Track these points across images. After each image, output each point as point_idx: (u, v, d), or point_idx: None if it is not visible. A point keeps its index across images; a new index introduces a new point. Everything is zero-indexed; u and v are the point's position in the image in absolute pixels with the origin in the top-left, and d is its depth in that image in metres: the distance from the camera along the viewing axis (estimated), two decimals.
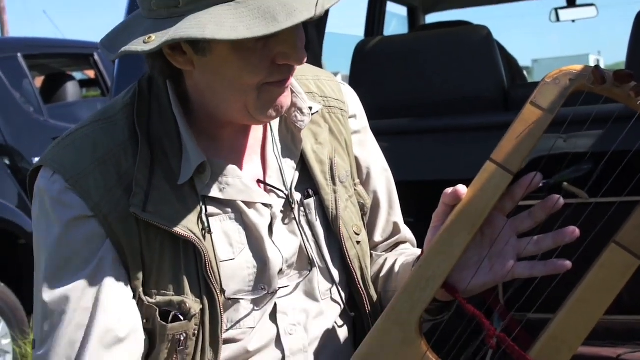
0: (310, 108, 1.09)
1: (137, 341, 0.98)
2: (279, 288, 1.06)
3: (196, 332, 0.99)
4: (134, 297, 0.98)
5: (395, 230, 1.25)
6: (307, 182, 1.10)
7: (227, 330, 1.03)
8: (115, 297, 0.96)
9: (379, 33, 3.84)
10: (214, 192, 1.02)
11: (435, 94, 2.32)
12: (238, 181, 1.04)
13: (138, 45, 0.89)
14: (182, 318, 0.97)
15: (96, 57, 4.91)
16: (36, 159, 1.07)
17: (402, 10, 4.26)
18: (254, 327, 1.05)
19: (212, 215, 1.02)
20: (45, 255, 0.98)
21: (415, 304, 0.95)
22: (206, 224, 1.00)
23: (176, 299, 0.98)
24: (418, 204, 1.95)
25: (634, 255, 0.92)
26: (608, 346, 1.70)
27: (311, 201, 1.10)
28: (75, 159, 0.98)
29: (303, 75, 1.16)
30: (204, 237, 0.99)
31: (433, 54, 2.36)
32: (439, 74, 2.33)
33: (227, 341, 1.03)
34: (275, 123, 1.11)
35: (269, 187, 1.07)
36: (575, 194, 0.97)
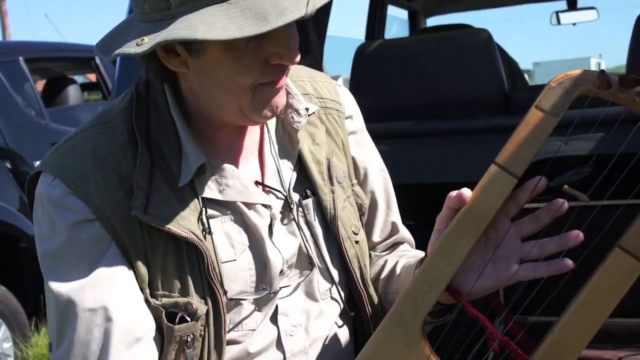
0: (307, 109, 1.10)
1: (154, 340, 0.98)
2: (281, 288, 1.06)
3: (202, 332, 0.99)
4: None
5: (394, 230, 1.26)
6: (305, 182, 1.11)
7: (229, 331, 1.03)
8: (128, 296, 0.97)
9: (379, 36, 3.85)
10: (214, 194, 1.03)
11: (435, 97, 2.33)
12: (237, 182, 1.04)
13: (131, 48, 0.89)
14: (188, 319, 0.98)
15: (97, 60, 4.91)
16: (37, 163, 1.08)
17: (403, 14, 4.27)
18: (255, 329, 1.05)
19: (213, 217, 1.02)
20: (53, 259, 0.98)
21: (419, 307, 0.96)
22: (207, 225, 1.00)
23: (182, 300, 0.98)
24: (419, 207, 1.95)
25: (638, 260, 0.92)
26: (609, 349, 1.70)
27: (309, 201, 1.10)
28: (75, 163, 0.98)
29: (299, 76, 1.17)
30: (204, 238, 0.99)
31: (434, 57, 2.36)
32: (439, 77, 2.33)
33: (229, 343, 1.04)
34: (272, 124, 1.11)
35: (267, 188, 1.08)
36: (576, 196, 0.97)
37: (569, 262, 0.95)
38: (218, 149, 1.06)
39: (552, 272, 0.96)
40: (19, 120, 4.13)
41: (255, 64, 0.95)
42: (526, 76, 4.44)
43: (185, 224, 0.98)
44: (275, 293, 1.05)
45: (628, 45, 2.20)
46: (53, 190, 0.98)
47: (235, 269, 1.03)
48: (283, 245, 1.06)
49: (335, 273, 1.12)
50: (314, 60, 2.43)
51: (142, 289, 0.98)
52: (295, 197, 1.10)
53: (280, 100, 1.01)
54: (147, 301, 0.98)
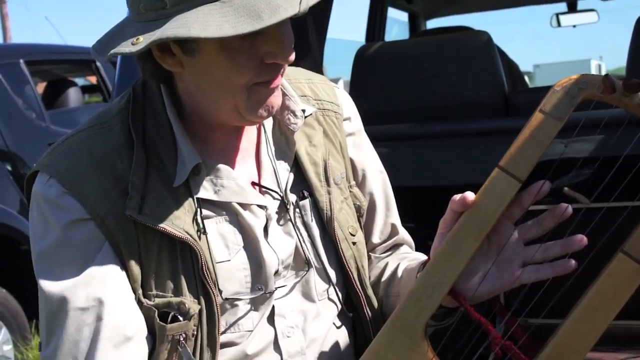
0: (304, 111, 1.10)
1: (144, 339, 0.98)
2: (276, 288, 1.06)
3: (195, 332, 0.99)
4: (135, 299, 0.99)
5: (393, 231, 1.26)
6: (302, 183, 1.11)
7: (226, 333, 1.04)
8: (119, 296, 0.97)
9: (380, 39, 3.85)
10: (209, 194, 1.03)
11: (436, 100, 2.33)
12: (233, 183, 1.04)
13: (126, 47, 0.90)
14: (181, 318, 0.98)
15: (98, 63, 4.92)
16: None
17: (403, 16, 4.27)
18: (252, 330, 1.05)
19: (208, 217, 1.03)
20: (46, 258, 0.98)
21: (422, 311, 0.95)
22: (201, 226, 1.00)
23: (175, 300, 0.98)
24: (419, 209, 1.95)
25: None
26: (611, 351, 1.70)
27: (306, 202, 1.11)
28: (71, 164, 0.99)
29: (296, 78, 1.18)
30: (199, 238, 1.00)
31: (434, 59, 2.36)
32: (439, 79, 2.33)
33: (226, 344, 1.04)
34: (269, 126, 1.12)
35: (263, 189, 1.08)
36: (576, 199, 0.97)
37: (573, 263, 0.95)
38: (214, 150, 1.06)
39: (556, 273, 0.96)
40: (19, 122, 4.14)
41: (250, 63, 0.95)
42: (527, 78, 4.45)
43: (179, 223, 0.98)
44: (271, 293, 1.06)
45: (628, 47, 2.20)
46: (49, 189, 0.98)
47: (229, 269, 1.03)
48: (278, 246, 1.07)
49: (332, 274, 1.12)
50: (314, 62, 2.43)
51: (134, 289, 0.99)
52: (293, 198, 1.10)
53: (275, 100, 1.01)
54: (139, 301, 0.99)
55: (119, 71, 2.05)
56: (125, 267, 0.98)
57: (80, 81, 6.48)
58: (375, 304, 1.16)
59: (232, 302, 1.03)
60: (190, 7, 0.89)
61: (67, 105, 4.94)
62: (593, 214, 1.03)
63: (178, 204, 1.00)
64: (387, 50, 2.53)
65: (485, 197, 0.94)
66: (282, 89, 1.07)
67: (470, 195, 0.94)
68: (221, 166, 1.05)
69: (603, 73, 0.97)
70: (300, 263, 1.10)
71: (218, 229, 1.03)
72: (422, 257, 1.19)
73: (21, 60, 4.38)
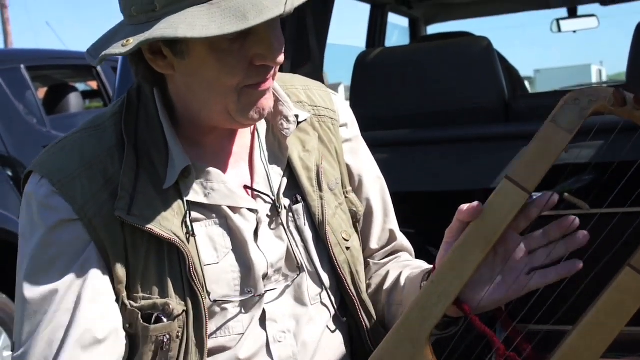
0: (297, 116, 1.11)
1: (117, 343, 0.99)
2: (266, 291, 1.06)
3: (180, 334, 1.00)
4: (117, 301, 1.00)
5: (392, 237, 1.26)
6: (295, 188, 1.12)
7: (217, 337, 1.04)
8: (95, 298, 0.98)
9: (380, 44, 3.86)
10: (199, 197, 1.04)
11: (436, 105, 2.33)
12: (223, 186, 1.05)
13: (116, 49, 0.92)
14: (164, 319, 0.98)
15: (99, 68, 4.92)
16: None
17: (404, 22, 4.28)
18: (243, 334, 1.05)
19: (197, 220, 1.04)
20: (29, 257, 1.00)
21: (426, 319, 0.95)
22: (190, 228, 1.01)
23: (160, 301, 0.99)
24: (419, 214, 1.95)
25: None
26: (613, 357, 1.69)
27: (299, 207, 1.11)
28: (62, 164, 1.01)
29: (292, 85, 1.19)
30: (187, 240, 1.00)
31: (434, 65, 2.37)
32: (439, 84, 2.33)
33: (218, 349, 1.04)
34: (262, 131, 1.13)
35: (255, 193, 1.09)
36: (576, 204, 0.97)
37: (579, 263, 0.95)
38: (206, 153, 1.07)
39: (562, 275, 0.96)
40: (20, 127, 4.14)
41: (239, 65, 0.96)
42: (527, 83, 4.45)
43: (167, 225, 0.99)
44: (261, 296, 1.06)
45: (628, 53, 2.20)
46: (39, 189, 1.00)
47: (217, 272, 1.04)
48: (268, 249, 1.07)
49: (325, 278, 1.12)
50: (314, 67, 2.43)
51: (118, 291, 0.99)
52: (286, 202, 1.11)
53: (266, 102, 1.02)
54: (124, 304, 0.99)
55: (119, 76, 2.05)
56: (109, 269, 0.99)
57: (81, 86, 6.49)
58: (372, 309, 1.16)
59: (220, 304, 1.04)
60: (179, 9, 0.90)
61: (67, 111, 4.95)
62: (593, 219, 1.03)
63: (167, 206, 1.01)
64: (388, 56, 2.54)
65: (493, 208, 0.94)
66: (275, 94, 1.09)
67: (477, 206, 0.94)
68: (212, 169, 1.05)
69: (604, 78, 0.98)
70: (292, 267, 1.10)
71: (207, 231, 1.04)
72: (425, 265, 1.19)
73: (22, 66, 4.38)
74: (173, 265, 1.00)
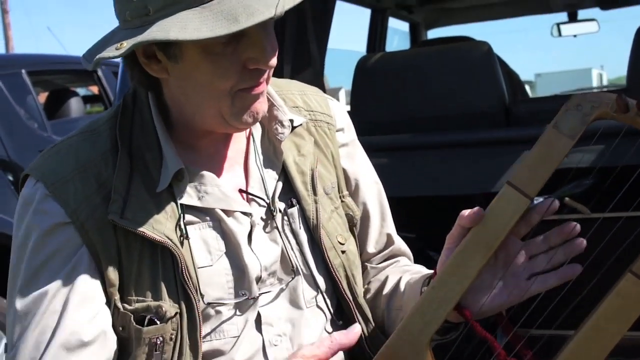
0: (292, 121, 1.12)
1: (105, 346, 0.99)
2: (261, 294, 1.07)
3: (173, 336, 1.00)
4: (109, 304, 1.00)
5: (389, 241, 1.26)
6: (290, 192, 1.13)
7: (212, 340, 1.04)
8: (84, 301, 0.98)
9: (381, 49, 3.86)
10: (193, 201, 1.05)
11: (436, 110, 2.33)
12: (217, 189, 1.06)
13: (110, 52, 0.93)
14: (157, 322, 0.99)
15: (100, 73, 4.93)
16: None
17: (404, 26, 4.29)
18: (238, 337, 1.05)
19: (191, 223, 1.04)
20: (21, 261, 1.01)
21: (427, 325, 0.95)
22: (184, 231, 1.02)
23: (153, 303, 1.00)
24: (419, 219, 1.95)
25: None
26: None
27: (294, 210, 1.12)
28: (56, 168, 1.02)
29: (289, 90, 1.20)
30: (181, 243, 1.01)
31: (434, 69, 2.37)
32: (440, 89, 2.34)
33: (213, 353, 1.04)
34: (257, 135, 1.14)
35: (250, 197, 1.09)
36: (577, 209, 0.97)
37: (579, 267, 0.95)
38: (200, 157, 1.08)
39: (562, 280, 0.96)
40: (21, 132, 4.14)
41: (233, 68, 0.97)
42: (528, 87, 4.45)
43: (160, 228, 1.00)
44: (255, 299, 1.06)
45: (628, 57, 2.20)
46: (34, 192, 1.01)
47: (211, 275, 1.04)
48: (262, 252, 1.08)
49: (320, 281, 1.12)
50: (314, 73, 2.44)
51: (111, 294, 1.00)
52: (281, 206, 1.11)
53: (260, 106, 1.03)
54: (116, 307, 1.00)
55: (120, 81, 2.05)
56: (100, 272, 1.00)
57: (82, 91, 6.50)
58: (368, 313, 1.17)
59: (215, 307, 1.04)
60: (172, 13, 0.91)
61: (68, 116, 4.95)
62: (594, 224, 1.03)
63: (160, 209, 1.01)
64: (388, 61, 2.54)
65: (495, 214, 0.94)
66: (269, 99, 1.10)
67: (479, 212, 0.94)
68: (205, 173, 1.06)
69: (604, 82, 0.97)
70: (287, 270, 1.10)
71: (201, 234, 1.05)
72: (425, 270, 1.19)
73: (23, 71, 4.38)
74: (166, 268, 1.00)
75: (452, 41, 3.31)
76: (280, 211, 1.11)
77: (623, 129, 0.99)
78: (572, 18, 4.39)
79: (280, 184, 1.12)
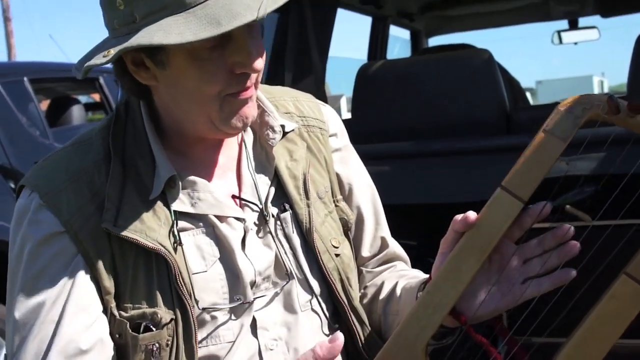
0: (283, 126, 1.14)
1: (103, 353, 1.00)
2: (255, 298, 1.07)
3: (170, 342, 1.01)
4: (105, 312, 1.01)
5: (383, 245, 1.27)
6: (283, 197, 1.14)
7: (207, 345, 1.05)
8: (80, 309, 0.99)
9: (382, 56, 3.87)
10: (186, 207, 1.06)
11: (437, 117, 2.33)
12: (209, 196, 1.07)
13: (98, 60, 0.94)
14: (153, 328, 1.00)
15: (101, 80, 4.94)
16: None
17: (405, 34, 4.30)
18: (234, 342, 1.06)
19: (185, 229, 1.05)
20: (17, 271, 1.01)
21: (423, 330, 0.95)
22: (177, 238, 1.02)
23: (149, 310, 1.00)
24: (420, 227, 1.95)
25: None
26: None
27: (287, 215, 1.13)
28: (49, 178, 1.03)
29: (281, 97, 1.21)
30: (175, 250, 1.02)
31: (435, 77, 2.37)
32: (441, 97, 2.34)
33: (209, 358, 1.05)
34: (249, 141, 1.15)
35: (243, 202, 1.10)
36: (578, 216, 0.97)
37: (572, 271, 0.95)
38: (193, 164, 1.09)
39: (556, 284, 0.96)
40: (23, 140, 4.14)
41: (219, 73, 0.98)
42: (529, 94, 4.46)
43: (154, 235, 1.00)
44: (250, 303, 1.07)
45: (629, 64, 2.20)
46: (29, 203, 1.02)
47: (206, 280, 1.05)
48: (256, 257, 1.08)
49: (315, 284, 1.13)
50: (316, 80, 2.44)
51: (107, 302, 1.01)
52: (274, 210, 1.12)
53: (249, 111, 1.04)
54: (113, 315, 1.01)
55: (122, 89, 2.06)
56: (96, 281, 1.00)
57: (83, 99, 6.51)
58: (364, 316, 1.17)
59: (210, 312, 1.05)
60: (157, 19, 0.93)
61: (70, 123, 4.96)
62: (596, 232, 1.03)
63: (153, 216, 1.02)
64: (389, 69, 2.55)
65: (488, 217, 0.94)
66: (261, 105, 1.12)
67: (472, 215, 0.94)
68: (198, 179, 1.07)
69: (605, 89, 0.98)
70: (281, 274, 1.11)
71: (195, 240, 1.06)
72: (422, 274, 1.20)
73: (25, 78, 4.40)
74: (161, 275, 1.01)
75: (453, 49, 3.32)
76: (273, 216, 1.12)
77: (627, 136, 0.98)
78: (573, 26, 4.40)
79: (272, 189, 1.13)
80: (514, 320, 1.02)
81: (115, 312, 1.00)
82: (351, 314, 1.14)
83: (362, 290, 1.23)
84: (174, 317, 1.00)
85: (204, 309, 1.03)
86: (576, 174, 1.87)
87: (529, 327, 1.05)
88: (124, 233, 0.99)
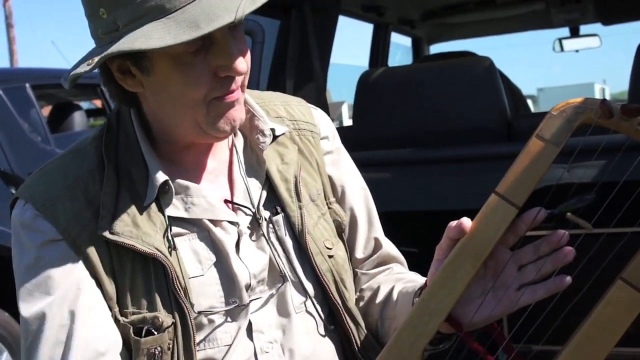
0: (273, 130, 1.14)
1: (118, 355, 1.01)
2: (251, 301, 1.08)
3: (170, 346, 1.01)
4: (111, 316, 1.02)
5: (377, 246, 1.27)
6: (275, 200, 1.14)
7: (205, 348, 1.05)
8: (92, 312, 1.00)
9: (383, 64, 3.88)
10: (180, 212, 1.06)
11: (438, 125, 2.33)
12: (203, 200, 1.08)
13: (82, 68, 0.96)
14: (154, 332, 1.00)
15: (103, 87, 4.94)
16: None
17: (407, 41, 4.31)
18: (231, 345, 1.06)
19: (180, 234, 1.06)
20: (23, 279, 1.02)
21: (418, 338, 0.95)
22: (171, 242, 1.03)
23: (149, 315, 1.01)
24: (421, 234, 1.95)
25: None
26: None
27: (279, 218, 1.13)
28: (44, 188, 1.04)
29: (271, 101, 1.22)
30: (170, 254, 1.02)
31: (436, 84, 2.38)
32: (442, 104, 2.34)
33: None
34: (240, 146, 1.16)
35: (236, 206, 1.11)
36: (578, 224, 0.96)
37: (567, 278, 0.94)
38: (185, 170, 1.10)
39: (551, 291, 0.96)
40: (24, 146, 4.15)
41: (203, 77, 0.99)
42: (531, 102, 4.47)
43: (149, 241, 1.01)
44: (246, 306, 1.07)
45: (630, 72, 2.21)
46: (25, 214, 1.03)
47: (203, 284, 1.05)
48: (250, 260, 1.09)
49: (309, 287, 1.13)
50: (317, 87, 2.45)
51: (110, 307, 1.01)
52: (266, 214, 1.13)
53: (236, 114, 1.04)
54: (116, 319, 1.01)
55: (110, 97, 2.06)
56: (99, 285, 1.01)
57: (85, 105, 6.52)
58: (359, 317, 1.17)
59: (207, 315, 1.05)
60: (139, 26, 0.94)
61: (72, 129, 4.97)
62: (596, 239, 1.03)
63: (149, 222, 1.03)
64: (390, 76, 2.55)
65: (482, 224, 0.93)
66: (250, 110, 1.13)
67: (466, 222, 0.94)
68: (191, 185, 1.08)
69: (607, 97, 0.97)
70: (275, 277, 1.12)
71: (190, 245, 1.06)
72: (419, 278, 1.20)
73: (27, 84, 4.41)
74: (159, 279, 1.02)
75: (455, 56, 3.33)
76: (265, 219, 1.12)
77: (625, 143, 0.98)
78: (574, 33, 4.41)
79: (264, 193, 1.14)
80: (513, 327, 1.02)
81: (119, 317, 1.01)
82: (345, 315, 1.14)
83: (359, 293, 1.24)
84: (174, 320, 1.01)
85: (200, 313, 1.04)
86: (577, 181, 1.87)
87: (531, 334, 1.05)
88: (120, 239, 1.00)
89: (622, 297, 0.90)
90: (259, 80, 2.29)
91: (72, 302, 0.99)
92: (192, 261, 1.06)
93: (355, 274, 1.25)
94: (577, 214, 0.96)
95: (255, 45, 2.31)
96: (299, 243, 1.14)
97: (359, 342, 1.15)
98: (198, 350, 1.04)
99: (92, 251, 1.00)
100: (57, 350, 0.98)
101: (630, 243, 1.01)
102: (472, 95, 2.30)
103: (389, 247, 1.29)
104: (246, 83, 1.06)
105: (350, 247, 1.24)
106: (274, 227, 1.12)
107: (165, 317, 1.01)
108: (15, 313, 3.68)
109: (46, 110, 5.57)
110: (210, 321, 1.05)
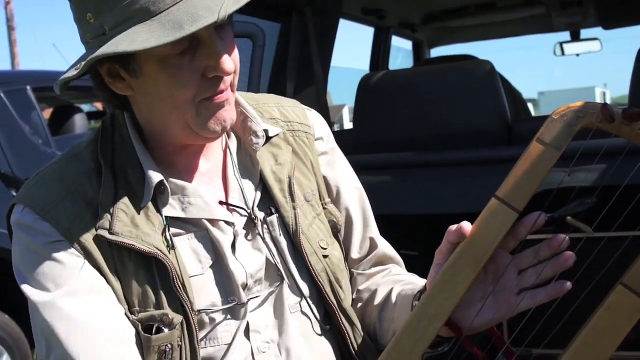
0: (266, 131, 1.15)
1: (139, 346, 1.01)
2: (249, 299, 1.08)
3: (180, 343, 1.02)
4: None
5: (372, 245, 1.27)
6: (269, 201, 1.15)
7: (206, 346, 1.06)
8: (112, 304, 1.01)
9: (384, 67, 3.88)
10: (177, 212, 1.07)
11: (438, 128, 2.33)
12: (200, 200, 1.08)
13: (70, 73, 0.97)
14: (165, 329, 1.01)
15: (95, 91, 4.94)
16: None
17: (408, 44, 4.31)
18: (230, 343, 1.07)
19: (179, 234, 1.07)
20: (31, 281, 1.01)
21: (418, 341, 0.95)
22: (170, 241, 1.04)
23: (157, 312, 1.01)
24: (422, 237, 1.94)
25: None
26: None
27: (274, 218, 1.14)
28: (44, 192, 1.04)
29: (265, 103, 1.23)
30: (169, 253, 1.03)
31: (436, 88, 2.38)
32: (442, 108, 2.34)
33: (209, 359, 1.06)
34: (233, 147, 1.16)
35: (231, 207, 1.11)
36: (579, 228, 0.96)
37: (567, 284, 0.94)
38: (179, 172, 1.10)
39: (551, 296, 0.95)
40: (25, 148, 4.15)
41: (191, 78, 0.99)
42: (531, 105, 4.47)
43: (149, 240, 1.02)
44: (244, 304, 1.08)
45: (630, 76, 2.21)
46: (24, 217, 1.03)
47: (203, 282, 1.06)
48: (247, 260, 1.09)
49: (304, 287, 1.13)
50: (318, 90, 2.45)
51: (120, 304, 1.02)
52: (261, 214, 1.13)
53: (227, 114, 1.04)
54: (126, 317, 1.02)
55: (102, 101, 2.06)
56: (107, 282, 1.02)
57: (86, 107, 6.53)
58: (354, 317, 1.17)
59: (208, 313, 1.06)
60: (125, 29, 0.94)
61: (73, 132, 4.97)
62: (596, 243, 1.02)
63: (147, 222, 1.04)
64: (391, 79, 2.55)
65: (482, 228, 0.93)
66: (243, 112, 1.13)
67: (466, 226, 0.94)
68: (187, 185, 1.08)
69: (607, 100, 0.97)
70: (273, 277, 1.12)
71: (190, 244, 1.07)
72: (417, 280, 1.20)
73: (28, 87, 4.41)
74: (162, 278, 1.02)
75: (455, 59, 3.33)
76: (260, 220, 1.13)
77: (630, 148, 0.98)
78: (575, 37, 4.41)
79: (259, 193, 1.15)
80: (513, 331, 1.02)
81: (128, 314, 1.02)
82: (341, 315, 1.15)
83: (356, 294, 1.24)
84: (182, 317, 1.02)
85: (200, 310, 1.05)
86: (578, 185, 1.87)
87: (531, 338, 1.05)
88: (120, 239, 1.00)
89: (622, 302, 0.90)
90: (260, 83, 2.29)
91: (90, 294, 0.99)
92: (192, 260, 1.06)
93: (351, 274, 1.25)
94: (578, 217, 0.96)
95: (256, 48, 2.31)
96: (293, 243, 1.14)
97: (354, 343, 1.15)
98: (201, 349, 1.04)
99: (96, 252, 1.01)
100: (80, 339, 0.97)
101: (631, 248, 1.01)
102: (472, 99, 2.30)
103: (384, 247, 1.29)
104: (236, 83, 1.06)
105: (345, 248, 1.24)
106: (268, 228, 1.13)
107: (174, 314, 1.01)
108: (15, 314, 3.68)
109: (47, 113, 5.57)
110: (211, 319, 1.06)
